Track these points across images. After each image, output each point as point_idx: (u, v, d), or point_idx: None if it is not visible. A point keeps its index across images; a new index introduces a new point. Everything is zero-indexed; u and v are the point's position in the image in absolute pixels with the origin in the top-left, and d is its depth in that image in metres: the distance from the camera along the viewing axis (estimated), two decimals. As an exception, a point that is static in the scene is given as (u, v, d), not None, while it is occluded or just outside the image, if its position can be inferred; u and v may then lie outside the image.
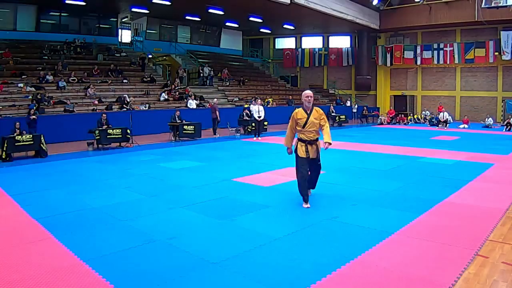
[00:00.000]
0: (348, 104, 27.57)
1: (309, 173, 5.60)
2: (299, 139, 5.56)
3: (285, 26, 27.58)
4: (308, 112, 5.55)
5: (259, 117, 15.19)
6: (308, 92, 5.68)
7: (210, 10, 22.30)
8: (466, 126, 21.20)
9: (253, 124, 15.57)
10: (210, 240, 4.42)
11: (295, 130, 5.64)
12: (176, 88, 21.37)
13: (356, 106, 25.81)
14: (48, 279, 3.41)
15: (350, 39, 30.36)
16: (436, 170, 8.50)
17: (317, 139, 5.57)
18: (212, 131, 16.70)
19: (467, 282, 3.36)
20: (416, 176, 7.88)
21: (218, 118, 16.44)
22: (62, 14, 21.97)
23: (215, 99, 18.31)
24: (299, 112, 5.59)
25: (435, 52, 25.76)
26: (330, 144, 5.49)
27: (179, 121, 14.64)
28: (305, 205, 5.67)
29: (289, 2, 19.40)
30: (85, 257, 3.89)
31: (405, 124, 24.27)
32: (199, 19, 25.61)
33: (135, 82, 20.58)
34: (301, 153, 5.50)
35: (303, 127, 5.51)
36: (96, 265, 3.70)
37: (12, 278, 3.43)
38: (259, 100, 16.27)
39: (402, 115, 25.76)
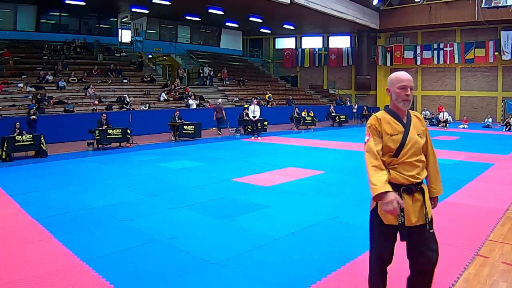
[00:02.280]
0: (348, 104, 27.60)
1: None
2: None
3: (285, 26, 27.62)
4: (404, 119, 2.56)
5: (254, 117, 15.27)
6: (405, 76, 2.53)
7: (210, 10, 22.33)
8: (466, 126, 21.22)
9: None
10: (210, 240, 4.41)
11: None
12: (176, 88, 21.39)
13: (356, 106, 25.84)
14: (48, 279, 3.41)
15: (350, 39, 30.39)
16: (436, 170, 8.48)
17: (422, 182, 2.57)
18: (215, 130, 17.29)
19: (467, 282, 3.36)
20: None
21: (225, 117, 16.78)
22: (62, 14, 22.01)
23: (220, 100, 18.55)
24: (385, 121, 2.54)
25: (435, 52, 25.78)
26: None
27: (179, 121, 14.65)
28: None
29: (289, 2, 19.42)
30: (85, 257, 3.89)
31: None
32: (199, 19, 25.64)
33: (135, 82, 20.59)
34: (386, 214, 2.48)
35: (397, 154, 2.49)
36: (96, 265, 3.70)
37: (12, 278, 3.43)
38: (255, 100, 16.43)
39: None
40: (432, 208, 2.68)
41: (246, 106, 18.81)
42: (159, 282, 3.39)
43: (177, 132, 14.49)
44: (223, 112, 16.81)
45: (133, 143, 13.01)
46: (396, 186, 2.47)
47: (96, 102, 17.06)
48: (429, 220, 2.52)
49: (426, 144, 2.65)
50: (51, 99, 15.75)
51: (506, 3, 19.93)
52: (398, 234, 2.53)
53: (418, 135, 2.55)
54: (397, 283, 3.35)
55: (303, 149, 12.25)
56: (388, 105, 2.66)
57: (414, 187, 2.50)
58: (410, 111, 2.62)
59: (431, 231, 2.53)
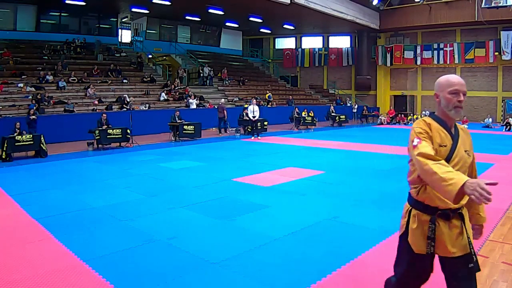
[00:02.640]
0: (348, 104, 27.59)
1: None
2: (415, 204, 2.22)
3: (285, 26, 27.62)
4: (452, 130, 2.20)
5: (254, 117, 15.32)
6: (457, 79, 2.17)
7: (210, 10, 22.33)
8: (466, 126, 21.23)
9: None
10: (210, 240, 4.41)
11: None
12: (176, 88, 21.40)
13: (356, 106, 25.84)
14: (48, 279, 3.41)
15: (350, 39, 30.39)
16: (436, 170, 8.48)
17: (461, 208, 2.17)
18: (216, 130, 17.72)
19: (467, 282, 3.35)
20: (416, 176, 7.87)
21: (226, 117, 17.09)
22: (62, 14, 22.01)
23: (222, 100, 18.75)
24: (434, 129, 2.15)
25: (435, 52, 25.79)
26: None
27: (179, 121, 14.65)
28: None
29: (289, 2, 19.42)
30: (85, 257, 3.89)
31: (405, 124, 24.27)
32: (199, 19, 25.64)
33: (135, 82, 20.59)
34: (418, 241, 2.19)
35: None
36: (96, 265, 3.70)
37: (12, 278, 3.43)
38: (255, 100, 16.53)
39: (402, 115, 25.77)
40: (476, 238, 2.34)
41: (246, 106, 18.85)
42: (159, 282, 3.38)
43: (177, 132, 14.49)
44: (225, 112, 17.08)
45: (133, 143, 13.01)
46: (430, 210, 2.11)
47: (96, 102, 17.06)
48: (472, 251, 2.09)
49: (472, 164, 2.31)
50: (51, 99, 15.76)
51: (506, 3, 19.93)
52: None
53: (465, 151, 2.18)
54: (397, 283, 3.35)
55: (303, 149, 12.25)
56: (434, 112, 2.28)
57: (452, 212, 2.10)
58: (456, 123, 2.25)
59: (470, 265, 2.07)
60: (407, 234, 2.22)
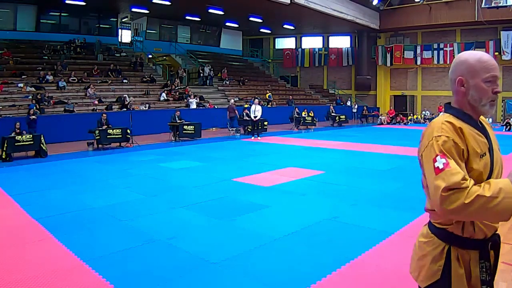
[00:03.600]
0: (348, 104, 27.59)
1: None
2: (456, 242, 1.56)
3: (285, 26, 27.62)
4: (481, 126, 1.62)
5: (255, 117, 15.31)
6: (492, 61, 1.66)
7: (210, 10, 22.34)
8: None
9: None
10: (210, 240, 4.41)
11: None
12: (176, 88, 21.40)
13: (356, 106, 25.82)
14: (48, 279, 3.41)
15: (350, 39, 30.39)
16: (436, 170, 8.48)
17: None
18: (216, 130, 18.14)
19: (467, 282, 3.35)
20: (416, 176, 7.83)
21: (238, 116, 17.25)
22: (62, 14, 22.01)
23: (232, 100, 18.92)
24: (468, 134, 1.50)
25: (435, 52, 25.79)
26: None
27: (179, 121, 14.65)
28: None
29: (289, 2, 19.43)
30: (85, 257, 3.89)
31: (405, 124, 24.28)
32: (199, 19, 25.65)
33: (135, 82, 20.59)
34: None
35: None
36: (96, 265, 3.70)
37: (12, 278, 3.43)
38: (256, 100, 16.50)
39: (402, 115, 25.77)
40: None
41: (246, 106, 18.85)
42: (159, 282, 3.39)
43: (177, 132, 14.49)
44: (236, 112, 17.21)
45: (133, 143, 13.01)
46: (478, 243, 1.58)
47: (96, 102, 17.07)
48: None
49: None
50: (51, 99, 15.76)
51: (506, 3, 19.94)
52: None
53: (499, 149, 1.67)
54: (397, 282, 3.36)
55: (303, 149, 12.25)
56: (449, 103, 1.64)
57: (498, 238, 1.67)
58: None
59: None
60: (446, 283, 1.55)
